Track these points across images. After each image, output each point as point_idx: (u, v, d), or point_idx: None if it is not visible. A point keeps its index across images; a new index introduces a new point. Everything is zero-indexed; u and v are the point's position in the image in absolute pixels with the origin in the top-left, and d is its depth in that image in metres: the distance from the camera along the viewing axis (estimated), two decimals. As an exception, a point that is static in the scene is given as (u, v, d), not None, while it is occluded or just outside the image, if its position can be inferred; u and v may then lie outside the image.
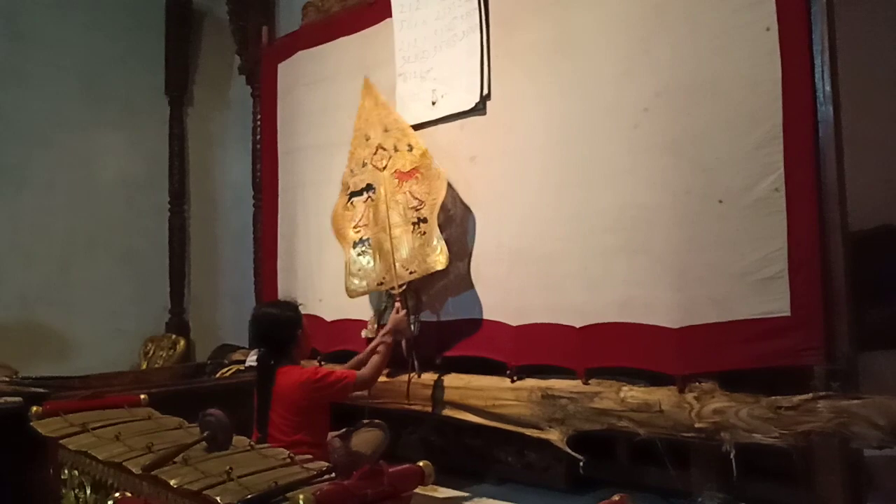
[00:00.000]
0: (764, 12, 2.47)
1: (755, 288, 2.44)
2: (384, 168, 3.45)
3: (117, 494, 1.39)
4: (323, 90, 4.11)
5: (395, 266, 3.30)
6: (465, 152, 3.35)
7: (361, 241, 3.50)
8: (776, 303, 2.41)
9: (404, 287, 3.28)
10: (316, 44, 4.18)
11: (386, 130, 3.50)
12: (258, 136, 4.78)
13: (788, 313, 2.38)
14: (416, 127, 3.58)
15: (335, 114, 4.00)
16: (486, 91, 3.26)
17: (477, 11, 3.27)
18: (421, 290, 3.45)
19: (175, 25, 5.31)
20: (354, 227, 3.54)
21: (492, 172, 3.24)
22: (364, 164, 3.55)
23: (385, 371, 3.27)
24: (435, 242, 3.19)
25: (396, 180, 3.39)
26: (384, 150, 3.48)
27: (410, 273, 3.25)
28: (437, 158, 3.47)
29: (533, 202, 3.07)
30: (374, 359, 3.01)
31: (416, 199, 3.29)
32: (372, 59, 3.83)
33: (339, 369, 2.96)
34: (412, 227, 3.28)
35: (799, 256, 2.38)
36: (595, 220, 2.84)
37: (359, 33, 3.93)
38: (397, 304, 3.24)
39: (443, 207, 3.27)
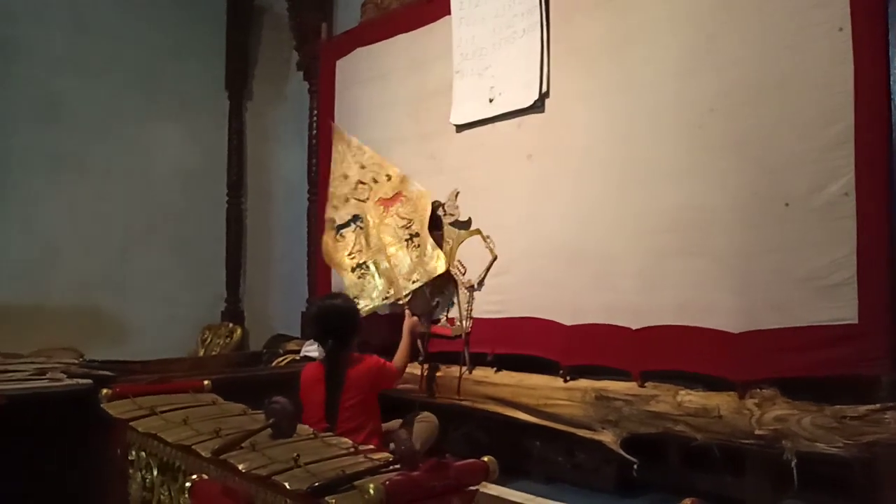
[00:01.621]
0: (836, 11, 2.39)
1: (821, 294, 2.37)
2: (367, 199, 3.85)
3: (194, 476, 1.43)
4: (380, 86, 4.15)
5: (398, 279, 3.59)
6: (522, 150, 3.34)
7: (359, 265, 3.84)
8: (843, 310, 2.34)
9: (410, 296, 3.58)
10: (374, 41, 4.21)
11: (363, 167, 3.94)
12: (314, 132, 4.85)
13: (856, 321, 2.31)
14: (472, 125, 3.60)
15: (392, 110, 4.04)
16: (545, 88, 3.24)
17: (538, 8, 3.25)
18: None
19: (236, 21, 5.41)
20: (349, 255, 3.92)
21: (549, 170, 3.23)
22: (347, 200, 3.98)
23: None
24: (430, 251, 3.55)
25: (381, 207, 3.79)
26: (363, 184, 3.92)
27: (413, 282, 3.57)
28: (493, 156, 3.49)
29: (590, 201, 3.04)
30: (399, 354, 3.28)
31: (404, 218, 3.70)
32: (429, 56, 3.85)
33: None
34: (405, 243, 3.67)
35: (868, 263, 2.31)
36: (655, 220, 2.81)
37: (417, 30, 3.95)
38: (407, 311, 3.49)
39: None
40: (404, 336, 3.34)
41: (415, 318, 3.46)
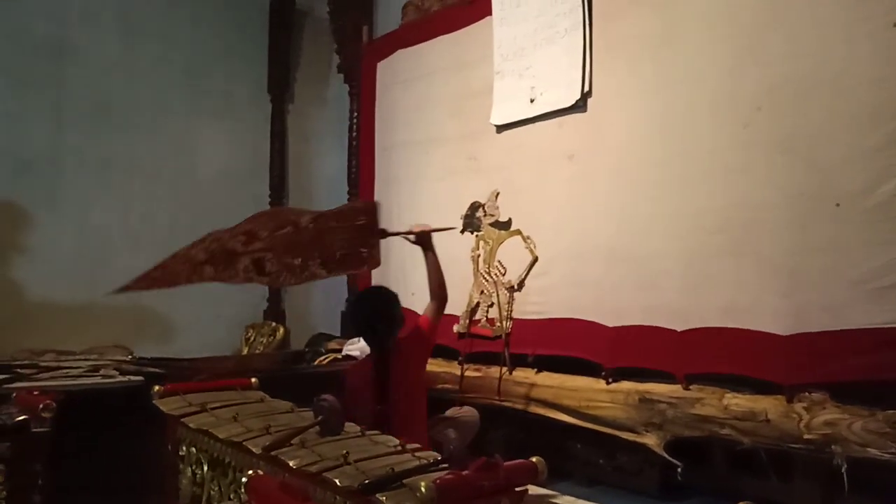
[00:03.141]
0: (890, 6, 2.34)
1: (873, 296, 2.32)
2: None
3: (250, 472, 1.46)
4: (420, 87, 4.18)
5: None
6: (564, 150, 3.34)
7: None
8: (895, 312, 2.29)
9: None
10: (415, 42, 4.25)
11: None
12: (354, 133, 4.90)
13: (910, 324, 2.26)
14: (513, 125, 3.60)
15: (432, 111, 4.08)
16: (587, 88, 3.23)
17: (580, 8, 3.25)
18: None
19: (278, 24, 5.49)
20: None
21: (591, 170, 3.22)
22: None
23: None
24: None
25: None
26: None
27: None
28: (534, 157, 3.50)
29: (633, 201, 3.03)
30: (432, 278, 2.98)
31: None
32: (470, 57, 3.87)
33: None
34: None
35: (922, 264, 2.26)
36: (699, 220, 2.78)
37: (458, 32, 3.97)
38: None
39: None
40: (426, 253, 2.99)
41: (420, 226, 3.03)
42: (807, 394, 2.43)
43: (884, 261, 2.31)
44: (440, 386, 3.68)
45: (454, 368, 3.68)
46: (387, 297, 2.98)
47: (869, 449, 2.23)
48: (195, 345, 4.53)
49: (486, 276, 3.66)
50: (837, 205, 2.41)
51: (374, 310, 2.93)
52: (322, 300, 5.49)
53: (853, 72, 2.41)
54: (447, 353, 3.77)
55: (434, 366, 3.73)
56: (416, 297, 3.96)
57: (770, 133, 2.60)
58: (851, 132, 2.41)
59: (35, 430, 2.25)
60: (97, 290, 4.67)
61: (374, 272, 4.47)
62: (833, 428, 2.31)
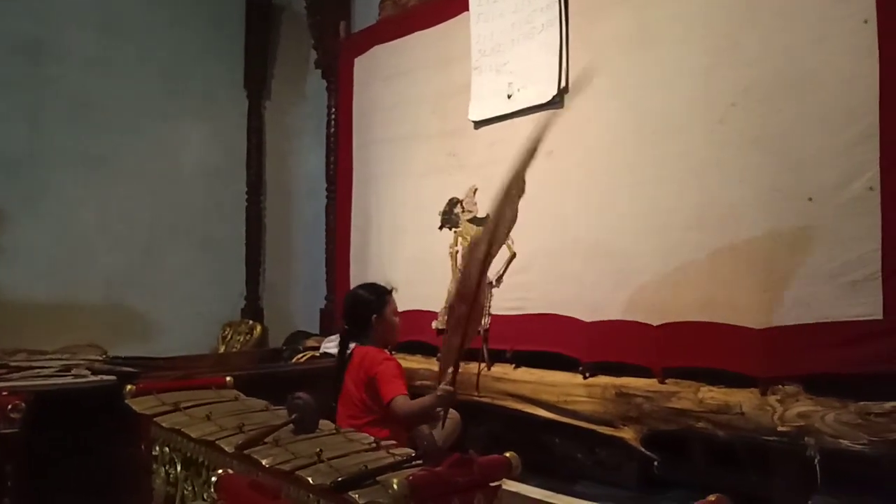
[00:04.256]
0: (862, 3, 2.37)
1: (845, 290, 2.35)
2: None
3: (220, 471, 1.44)
4: (399, 84, 4.16)
5: None
6: (542, 146, 3.32)
7: None
8: (867, 306, 2.32)
9: None
10: (393, 38, 4.23)
11: None
12: (332, 129, 4.87)
13: (881, 317, 2.29)
14: (491, 121, 3.60)
15: (411, 107, 4.06)
16: (563, 84, 3.23)
17: (557, 3, 3.25)
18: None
19: (255, 20, 5.43)
20: None
21: (569, 166, 3.22)
22: None
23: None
24: None
25: None
26: None
27: None
28: (512, 152, 3.46)
29: (611, 197, 3.03)
30: (414, 403, 2.69)
31: None
32: (448, 53, 3.85)
33: (399, 382, 2.72)
34: None
35: (893, 258, 2.28)
36: (676, 216, 2.79)
37: (435, 27, 3.96)
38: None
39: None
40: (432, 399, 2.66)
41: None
42: (780, 386, 2.45)
43: (856, 255, 2.34)
44: (419, 382, 3.66)
45: (433, 365, 3.66)
46: (361, 295, 2.99)
47: (841, 440, 2.25)
48: (175, 344, 4.50)
49: (464, 272, 3.65)
50: (810, 199, 2.44)
51: (347, 304, 2.99)
52: (300, 298, 5.47)
53: (825, 69, 2.44)
54: (426, 350, 3.76)
55: (413, 362, 3.73)
56: (395, 294, 3.95)
57: (745, 130, 2.62)
58: (824, 129, 2.43)
59: (3, 430, 2.22)
60: (77, 290, 4.65)
61: (355, 268, 4.46)
62: (806, 420, 2.33)
